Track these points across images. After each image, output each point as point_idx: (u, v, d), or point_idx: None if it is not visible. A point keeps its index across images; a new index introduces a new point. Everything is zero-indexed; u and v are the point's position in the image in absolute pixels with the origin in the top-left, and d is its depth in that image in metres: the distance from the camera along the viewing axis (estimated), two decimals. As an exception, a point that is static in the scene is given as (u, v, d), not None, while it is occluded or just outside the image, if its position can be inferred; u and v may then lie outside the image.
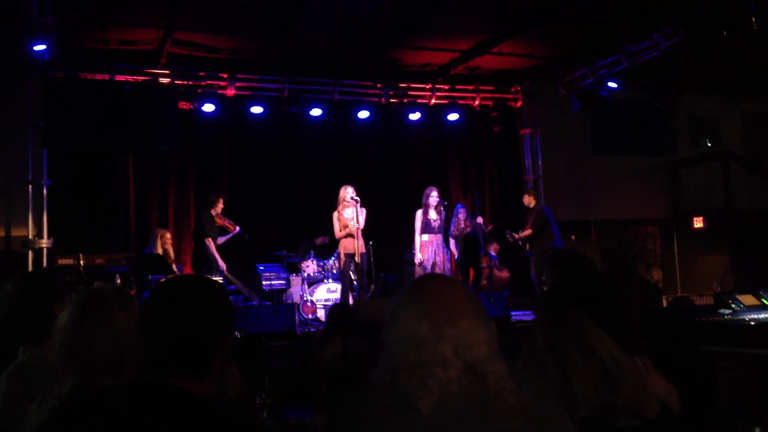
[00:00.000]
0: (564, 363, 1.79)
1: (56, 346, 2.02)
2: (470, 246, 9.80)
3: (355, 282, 8.77)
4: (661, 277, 12.07)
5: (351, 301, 8.55)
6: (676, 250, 12.20)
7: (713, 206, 11.94)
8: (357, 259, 8.52)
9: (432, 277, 1.68)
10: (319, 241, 10.14)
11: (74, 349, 1.97)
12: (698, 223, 11.89)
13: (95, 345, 1.96)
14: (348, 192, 8.60)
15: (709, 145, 12.81)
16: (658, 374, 2.53)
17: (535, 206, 9.69)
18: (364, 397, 1.56)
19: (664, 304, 10.04)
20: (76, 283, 7.47)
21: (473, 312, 1.54)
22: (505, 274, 10.36)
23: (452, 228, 9.69)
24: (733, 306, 5.17)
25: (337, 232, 8.71)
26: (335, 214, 8.70)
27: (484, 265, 10.19)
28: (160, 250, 8.57)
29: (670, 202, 12.43)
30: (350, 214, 8.59)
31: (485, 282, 10.09)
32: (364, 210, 8.62)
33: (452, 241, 9.71)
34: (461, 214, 9.61)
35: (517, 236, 9.62)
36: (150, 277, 7.96)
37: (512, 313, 8.37)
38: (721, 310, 5.42)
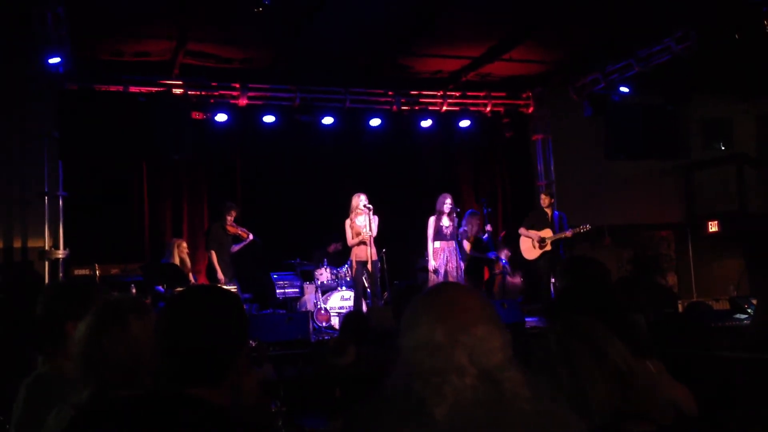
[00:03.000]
0: (578, 370, 1.79)
1: (73, 356, 2.04)
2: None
3: (368, 289, 8.78)
4: (676, 282, 11.99)
5: (364, 308, 8.56)
6: (690, 255, 12.12)
7: (728, 210, 11.85)
8: (369, 266, 8.54)
9: (447, 285, 1.69)
10: (332, 248, 10.17)
11: (91, 359, 1.99)
12: (713, 227, 11.80)
13: (112, 355, 1.97)
14: (361, 200, 8.63)
15: (723, 148, 12.73)
16: (671, 379, 2.53)
17: (554, 210, 9.63)
18: (380, 405, 1.56)
19: (680, 309, 9.97)
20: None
21: (488, 319, 1.55)
22: (517, 280, 10.32)
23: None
24: (749, 310, 5.15)
25: (350, 239, 8.74)
26: (348, 222, 8.73)
27: (496, 272, 10.17)
28: (176, 260, 8.65)
29: (684, 206, 12.36)
30: (363, 221, 8.61)
31: (497, 289, 10.06)
32: (376, 218, 8.64)
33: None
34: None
35: (539, 235, 9.48)
36: (165, 286, 8.02)
37: (526, 319, 8.35)
38: (738, 315, 5.40)
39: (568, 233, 9.22)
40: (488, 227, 9.85)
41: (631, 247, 11.81)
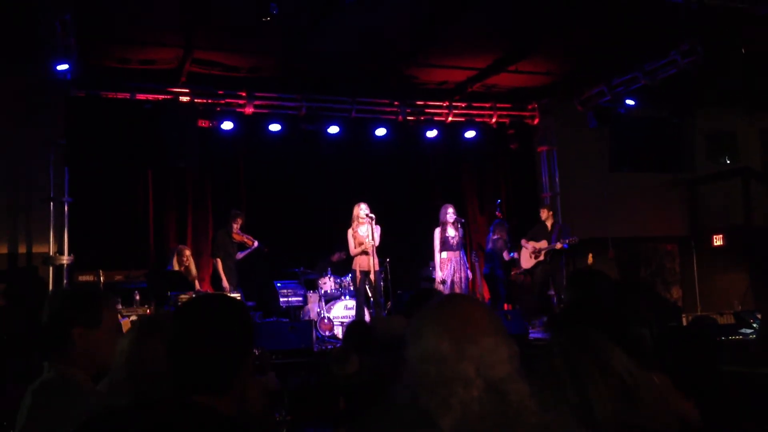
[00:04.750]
0: (583, 382, 1.79)
1: (115, 367, 2.17)
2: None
3: (371, 299, 8.77)
4: (680, 296, 11.95)
5: (367, 317, 8.55)
6: (695, 268, 12.07)
7: (733, 223, 11.82)
8: (372, 276, 8.53)
9: (454, 297, 1.69)
10: (336, 257, 10.18)
11: (132, 371, 2.10)
12: (718, 240, 11.78)
13: (150, 367, 2.05)
14: (362, 209, 8.64)
15: (728, 161, 12.71)
16: (676, 392, 2.52)
17: (554, 222, 9.78)
18: (386, 416, 1.56)
19: (684, 322, 9.94)
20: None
21: (495, 331, 1.55)
22: None
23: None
24: (754, 325, 5.13)
25: (352, 249, 8.75)
26: (350, 232, 8.75)
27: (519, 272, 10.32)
28: (180, 267, 8.67)
29: (688, 220, 12.33)
30: (365, 231, 8.62)
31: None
32: (378, 227, 8.65)
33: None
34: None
35: (535, 246, 9.63)
36: (169, 293, 8.03)
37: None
38: (743, 330, 5.38)
39: (557, 245, 9.37)
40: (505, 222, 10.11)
41: (631, 259, 11.78)
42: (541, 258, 9.61)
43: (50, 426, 2.10)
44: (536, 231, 9.91)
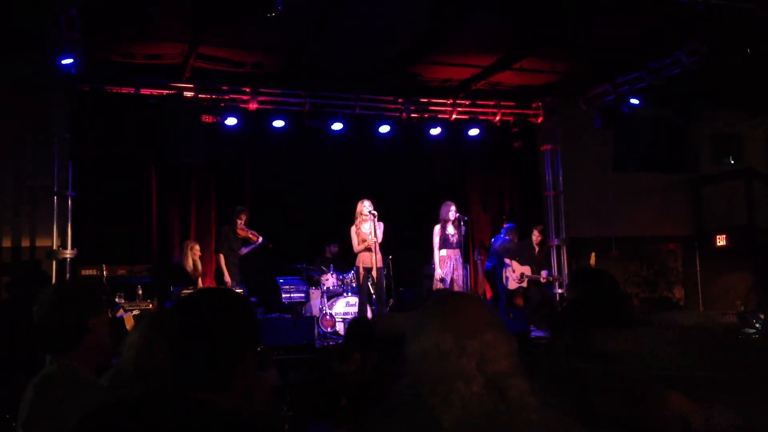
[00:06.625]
0: (586, 381, 1.79)
1: (125, 361, 2.22)
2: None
3: (373, 296, 8.78)
4: (683, 295, 11.95)
5: (369, 315, 8.55)
6: (698, 268, 12.07)
7: (736, 224, 11.81)
8: (374, 273, 8.53)
9: (454, 293, 1.70)
10: (329, 253, 10.20)
11: (142, 365, 2.15)
12: (721, 240, 11.77)
13: (161, 362, 2.10)
14: (365, 206, 8.62)
15: (732, 162, 12.70)
16: (678, 393, 2.52)
17: (542, 248, 9.81)
18: (388, 413, 1.56)
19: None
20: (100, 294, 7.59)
21: (495, 326, 1.55)
22: None
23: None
24: (757, 325, 5.13)
25: (355, 246, 8.74)
26: (353, 229, 8.74)
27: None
28: (189, 262, 8.68)
29: (692, 220, 12.33)
30: (368, 228, 8.60)
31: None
32: (381, 224, 8.63)
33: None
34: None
35: (522, 271, 9.66)
36: (172, 288, 8.04)
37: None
38: (746, 330, 5.37)
39: (542, 278, 9.42)
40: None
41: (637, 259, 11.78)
42: (524, 285, 9.63)
43: (53, 419, 2.11)
44: (522, 252, 9.84)
